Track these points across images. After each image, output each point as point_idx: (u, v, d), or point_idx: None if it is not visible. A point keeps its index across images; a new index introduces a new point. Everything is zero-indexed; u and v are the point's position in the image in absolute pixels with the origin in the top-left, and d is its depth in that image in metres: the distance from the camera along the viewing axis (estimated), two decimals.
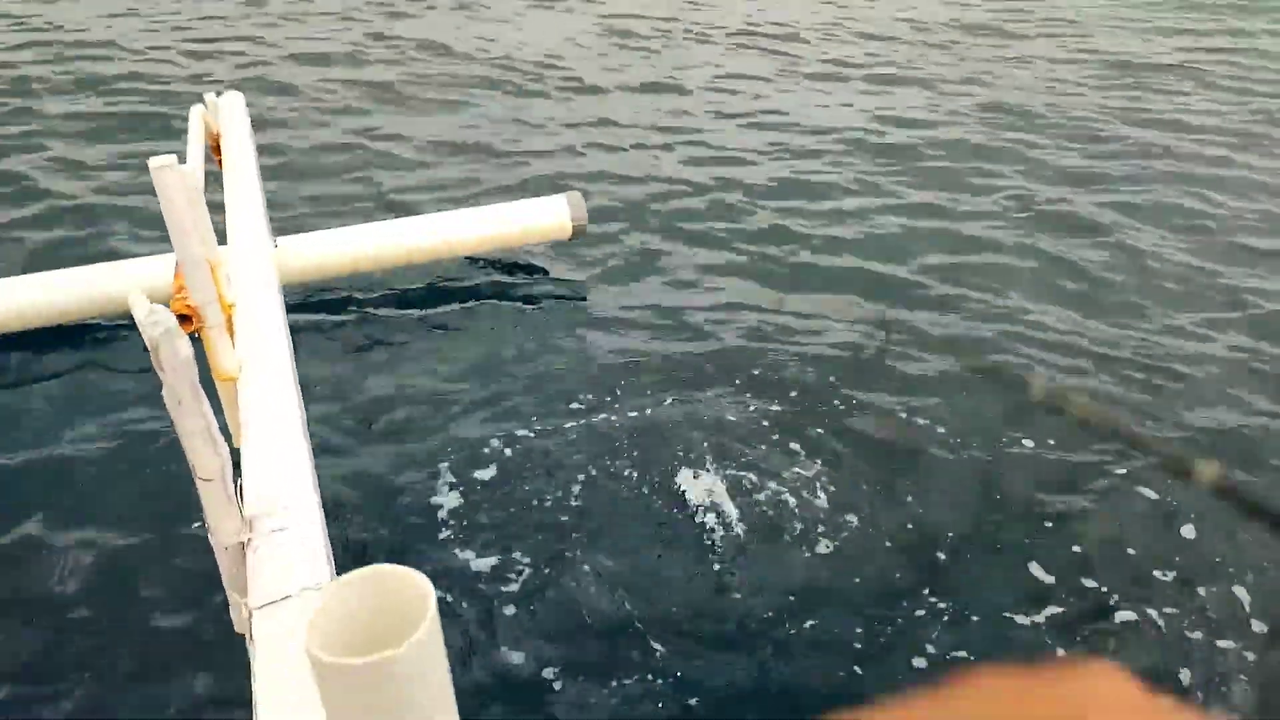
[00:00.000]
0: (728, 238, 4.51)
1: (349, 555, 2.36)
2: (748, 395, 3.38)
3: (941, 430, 3.20)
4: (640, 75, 6.54)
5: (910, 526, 2.81)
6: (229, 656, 1.82)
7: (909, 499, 2.91)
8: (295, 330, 3.51)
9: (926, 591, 2.58)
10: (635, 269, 4.24)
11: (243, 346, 2.03)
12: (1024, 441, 3.14)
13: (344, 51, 6.52)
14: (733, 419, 3.25)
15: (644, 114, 5.86)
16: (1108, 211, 4.81)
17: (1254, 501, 0.43)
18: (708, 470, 3.00)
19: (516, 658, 2.33)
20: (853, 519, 2.83)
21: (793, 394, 3.40)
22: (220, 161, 3.29)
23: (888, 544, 2.75)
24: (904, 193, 4.99)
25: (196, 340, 1.96)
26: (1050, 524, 2.83)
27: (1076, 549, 2.74)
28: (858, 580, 2.62)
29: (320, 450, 2.87)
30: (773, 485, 2.94)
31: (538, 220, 4.17)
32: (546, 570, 2.59)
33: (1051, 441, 3.12)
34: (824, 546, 2.72)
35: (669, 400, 3.34)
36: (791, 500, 2.88)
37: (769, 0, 8.64)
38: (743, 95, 6.29)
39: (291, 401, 1.81)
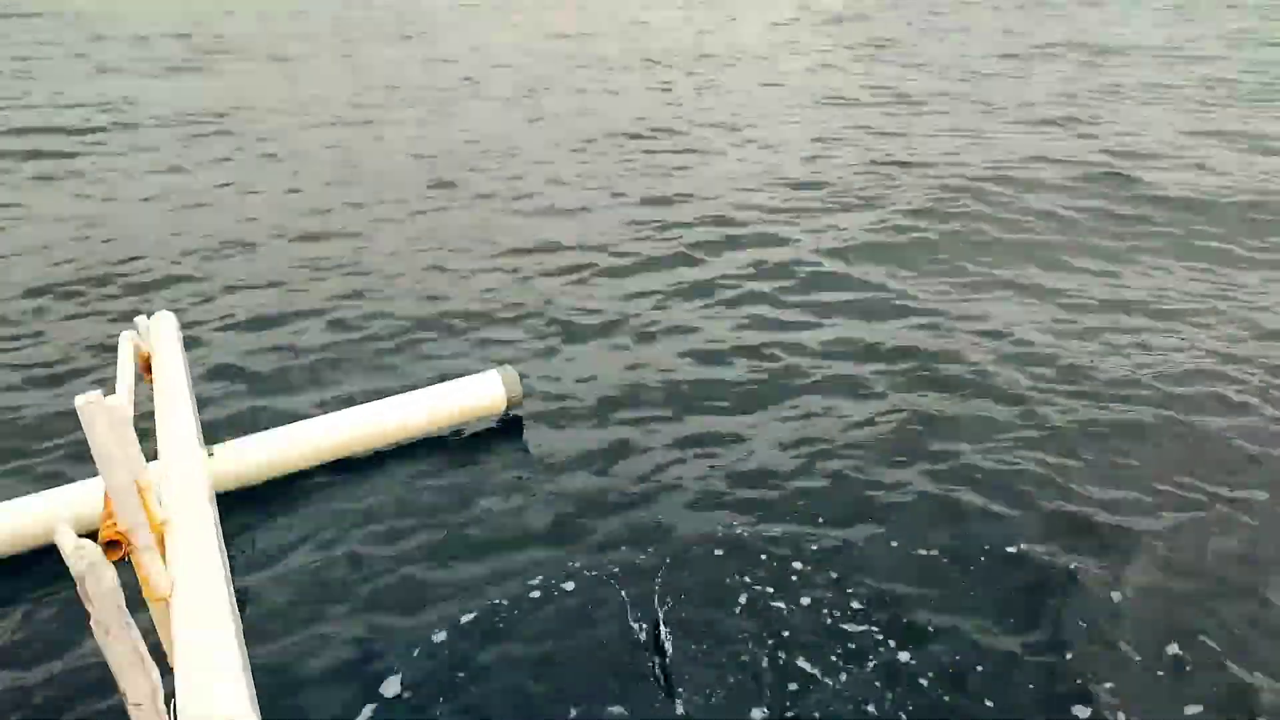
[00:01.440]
0: (663, 401, 4.67)
1: None
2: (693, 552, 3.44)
3: None
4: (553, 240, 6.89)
5: None
6: None
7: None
8: (235, 537, 3.55)
9: None
10: (573, 441, 4.33)
11: (175, 564, 2.05)
12: None
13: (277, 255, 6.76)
14: (681, 583, 3.29)
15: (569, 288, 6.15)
16: None
17: None
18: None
19: None
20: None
21: (743, 555, 3.47)
22: (151, 381, 3.37)
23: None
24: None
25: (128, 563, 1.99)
26: None
27: None
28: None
29: (261, 659, 2.83)
30: (723, 648, 2.97)
31: (472, 398, 4.29)
32: None
33: None
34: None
35: (614, 570, 3.38)
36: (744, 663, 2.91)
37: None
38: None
39: (225, 618, 1.83)
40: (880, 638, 3.02)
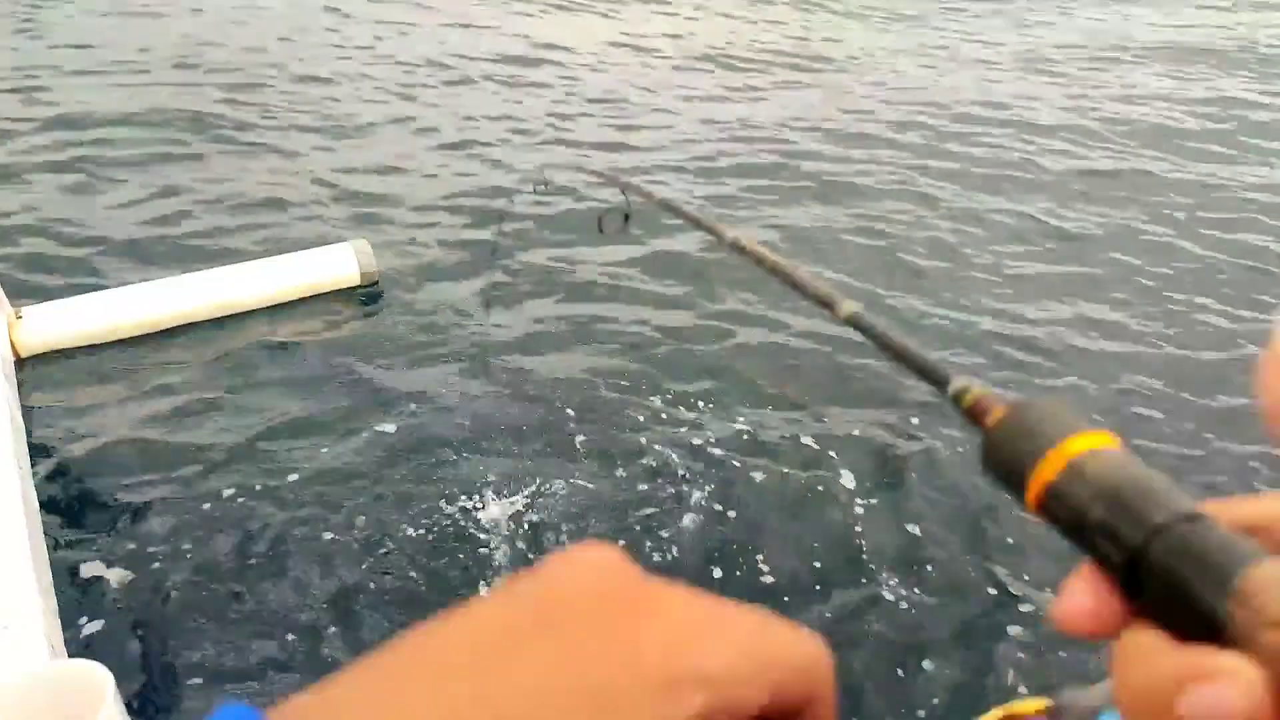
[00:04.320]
0: (516, 274, 4.52)
1: (82, 646, 2.12)
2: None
3: None
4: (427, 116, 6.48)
5: None
6: None
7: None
8: (44, 401, 3.24)
9: None
10: (429, 318, 4.14)
11: None
12: None
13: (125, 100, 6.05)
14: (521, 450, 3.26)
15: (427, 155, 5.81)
16: None
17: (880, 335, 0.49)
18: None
19: None
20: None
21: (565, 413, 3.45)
22: None
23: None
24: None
25: None
26: None
27: None
28: None
29: (59, 532, 2.61)
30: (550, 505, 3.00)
31: (324, 271, 4.03)
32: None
33: None
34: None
35: (463, 451, 3.30)
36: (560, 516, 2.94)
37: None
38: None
39: (13, 491, 1.65)
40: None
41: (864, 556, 2.98)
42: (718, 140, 6.32)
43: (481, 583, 2.73)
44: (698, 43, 8.48)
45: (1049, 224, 5.43)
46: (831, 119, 6.81)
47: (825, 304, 0.55)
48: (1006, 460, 0.34)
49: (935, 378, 0.42)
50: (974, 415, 0.37)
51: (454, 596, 2.62)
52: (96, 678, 0.71)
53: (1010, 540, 3.06)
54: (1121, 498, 0.30)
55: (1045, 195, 5.77)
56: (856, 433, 3.53)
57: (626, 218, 1.29)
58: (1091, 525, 0.31)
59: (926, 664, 2.62)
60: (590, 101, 6.85)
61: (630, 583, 0.32)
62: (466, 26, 8.26)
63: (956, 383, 0.40)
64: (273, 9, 7.98)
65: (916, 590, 2.87)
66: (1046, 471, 0.32)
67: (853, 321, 0.51)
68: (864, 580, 2.90)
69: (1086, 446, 0.32)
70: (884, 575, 2.91)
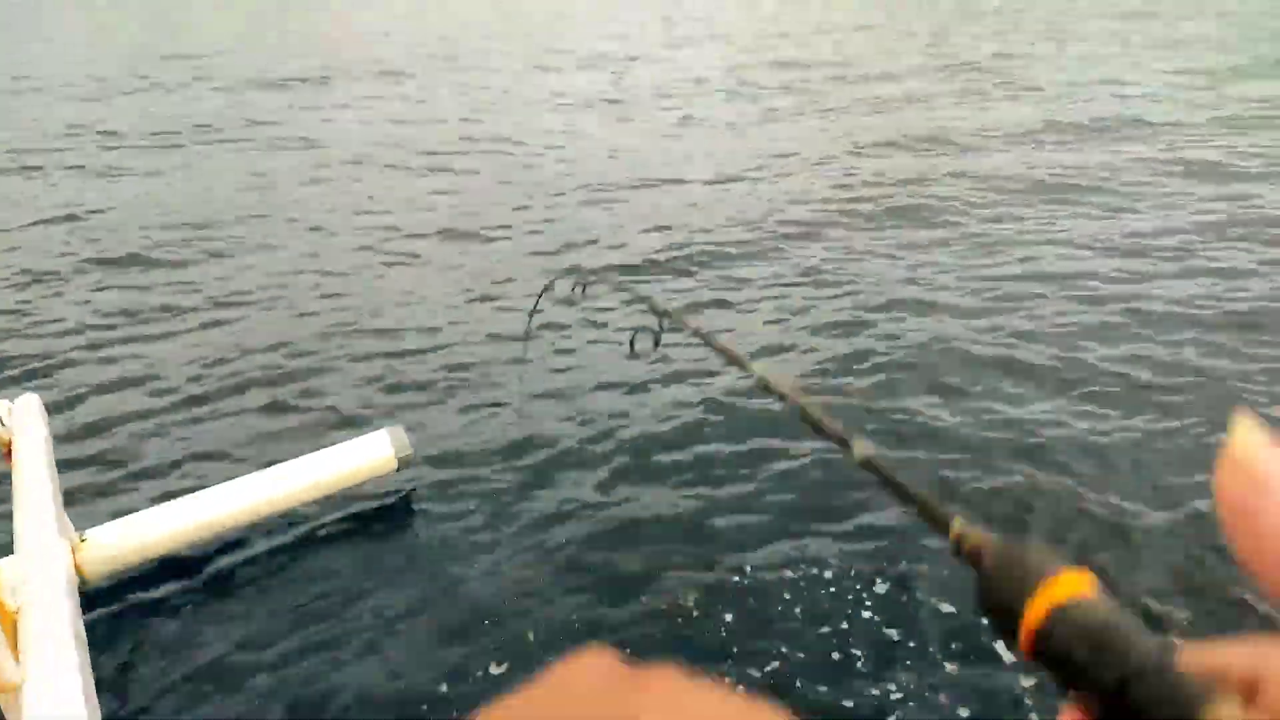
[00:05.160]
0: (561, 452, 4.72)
1: None
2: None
3: None
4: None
5: None
6: None
7: None
8: (109, 623, 3.41)
9: None
10: (466, 495, 4.33)
11: (27, 654, 1.99)
12: None
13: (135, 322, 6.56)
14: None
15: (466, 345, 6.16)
16: None
17: (892, 476, 0.49)
18: None
19: None
20: None
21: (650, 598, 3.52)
22: (11, 465, 3.25)
23: None
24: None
25: None
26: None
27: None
28: None
29: None
30: None
31: (360, 460, 4.25)
32: None
33: None
34: None
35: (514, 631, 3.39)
36: None
37: None
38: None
39: (79, 707, 1.78)
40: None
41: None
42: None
43: None
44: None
45: None
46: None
47: (841, 443, 0.55)
48: (997, 605, 0.36)
49: (939, 523, 0.42)
50: (972, 560, 0.39)
51: None
52: None
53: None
54: (1100, 642, 0.32)
55: None
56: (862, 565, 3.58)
57: (657, 342, 1.30)
58: (1073, 669, 0.33)
59: None
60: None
61: (632, 678, 0.33)
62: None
63: (955, 527, 0.41)
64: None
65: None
66: (1033, 618, 0.34)
67: (866, 464, 0.52)
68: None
69: (1067, 592, 0.34)
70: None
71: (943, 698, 2.91)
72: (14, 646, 1.97)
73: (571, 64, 15.94)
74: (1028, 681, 2.95)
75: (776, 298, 6.16)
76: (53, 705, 1.78)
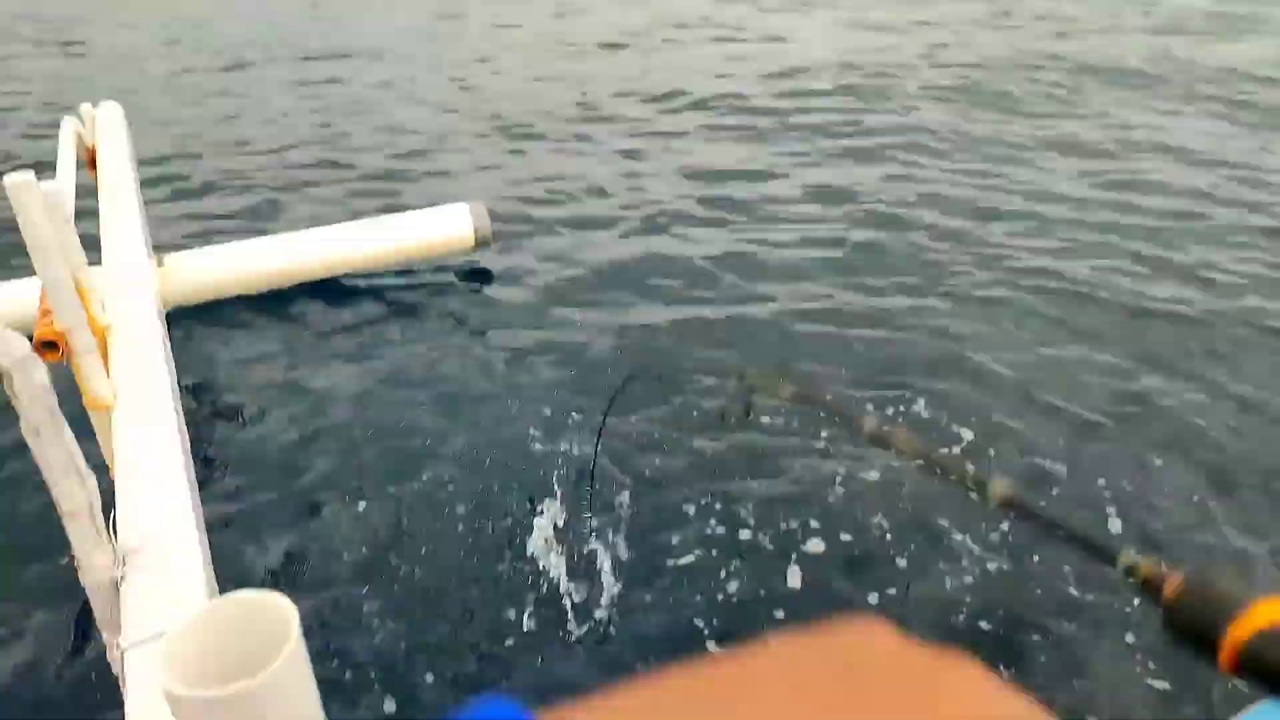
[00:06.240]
0: (644, 248, 4.52)
1: (234, 586, 2.25)
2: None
3: None
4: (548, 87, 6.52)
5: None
6: (111, 699, 1.73)
7: None
8: (185, 349, 3.41)
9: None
10: (544, 280, 4.19)
11: (119, 372, 1.93)
12: None
13: (235, 62, 6.30)
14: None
15: (549, 118, 5.85)
16: None
17: (1036, 513, 0.48)
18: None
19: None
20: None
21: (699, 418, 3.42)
22: (95, 176, 3.14)
23: None
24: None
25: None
26: None
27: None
28: None
29: (209, 479, 2.76)
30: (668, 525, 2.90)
31: (439, 230, 4.11)
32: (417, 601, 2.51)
33: None
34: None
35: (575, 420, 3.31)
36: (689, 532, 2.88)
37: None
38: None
39: (171, 429, 1.73)
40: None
41: None
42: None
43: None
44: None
45: None
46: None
47: (976, 488, 0.54)
48: (1191, 629, 0.38)
49: (1104, 554, 0.45)
50: (1148, 589, 0.42)
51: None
52: (283, 608, 0.72)
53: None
54: None
55: None
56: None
57: (748, 411, 1.28)
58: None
59: None
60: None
61: (920, 655, 0.32)
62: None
63: (1126, 558, 0.43)
64: None
65: None
66: (1238, 638, 0.36)
67: (1008, 504, 0.51)
68: None
69: (1268, 619, 0.37)
70: None
71: None
72: (106, 364, 1.92)
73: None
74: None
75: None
76: (144, 428, 1.74)
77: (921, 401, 3.26)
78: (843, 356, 3.58)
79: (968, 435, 3.10)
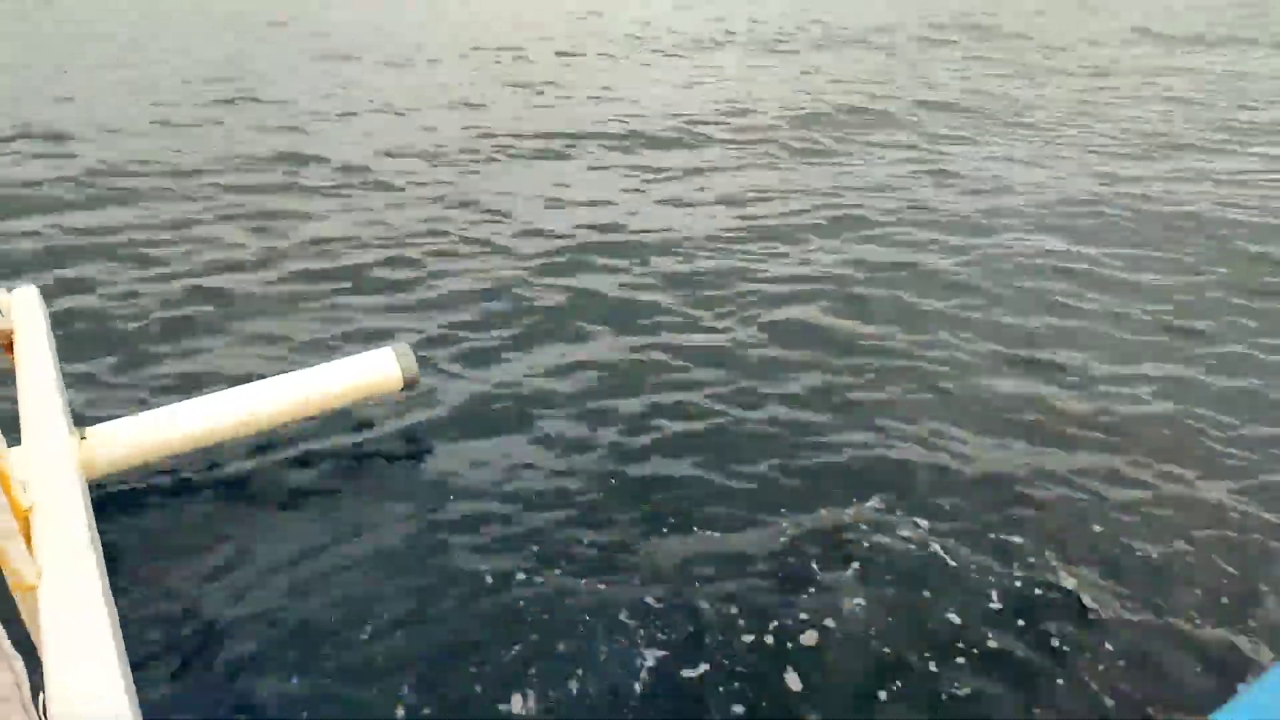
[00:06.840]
0: (563, 367, 4.66)
1: None
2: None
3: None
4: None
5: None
6: None
7: None
8: (113, 521, 3.37)
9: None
10: (472, 418, 4.27)
11: (43, 552, 1.94)
12: None
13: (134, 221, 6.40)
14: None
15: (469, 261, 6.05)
16: None
17: None
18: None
19: None
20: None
21: (640, 532, 3.51)
22: (13, 358, 3.17)
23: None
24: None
25: None
26: None
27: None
28: None
29: (139, 654, 2.70)
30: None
31: (365, 377, 4.18)
32: None
33: None
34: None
35: (513, 567, 3.37)
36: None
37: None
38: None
39: (98, 606, 1.74)
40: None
41: None
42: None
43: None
44: None
45: None
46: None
47: None
48: None
49: None
50: None
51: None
52: None
53: None
54: None
55: None
56: None
57: None
58: None
59: None
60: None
61: None
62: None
63: None
64: None
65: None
66: None
67: None
68: None
69: None
70: None
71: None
72: (30, 545, 1.92)
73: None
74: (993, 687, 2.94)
75: None
76: (71, 607, 1.75)
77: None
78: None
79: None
